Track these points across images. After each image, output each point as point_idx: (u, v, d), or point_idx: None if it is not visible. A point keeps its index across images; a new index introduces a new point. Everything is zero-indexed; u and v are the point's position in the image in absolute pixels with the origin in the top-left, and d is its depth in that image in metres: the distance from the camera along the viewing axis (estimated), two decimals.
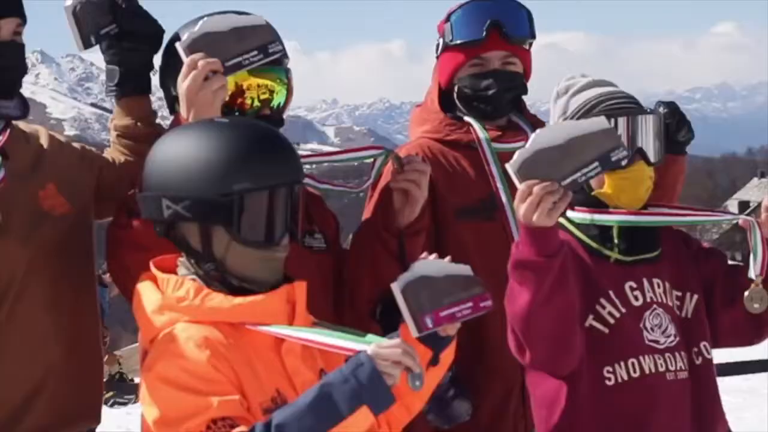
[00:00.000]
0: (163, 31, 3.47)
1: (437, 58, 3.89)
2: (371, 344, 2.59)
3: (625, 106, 3.16)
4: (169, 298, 2.71)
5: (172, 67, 3.37)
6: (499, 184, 3.76)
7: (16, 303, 3.12)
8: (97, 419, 3.35)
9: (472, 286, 2.76)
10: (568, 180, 2.85)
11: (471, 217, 3.73)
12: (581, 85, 3.24)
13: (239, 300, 2.69)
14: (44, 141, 3.32)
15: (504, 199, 3.74)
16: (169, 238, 2.77)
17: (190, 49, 3.05)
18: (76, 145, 3.46)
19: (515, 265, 2.90)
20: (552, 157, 2.84)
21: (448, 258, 2.79)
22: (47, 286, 3.19)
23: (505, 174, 3.74)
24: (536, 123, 3.92)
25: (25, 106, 3.22)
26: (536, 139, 2.86)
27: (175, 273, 2.78)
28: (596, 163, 2.88)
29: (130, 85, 3.46)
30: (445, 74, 3.86)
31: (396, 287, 2.67)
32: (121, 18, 3.40)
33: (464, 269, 2.77)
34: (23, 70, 3.20)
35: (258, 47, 3.10)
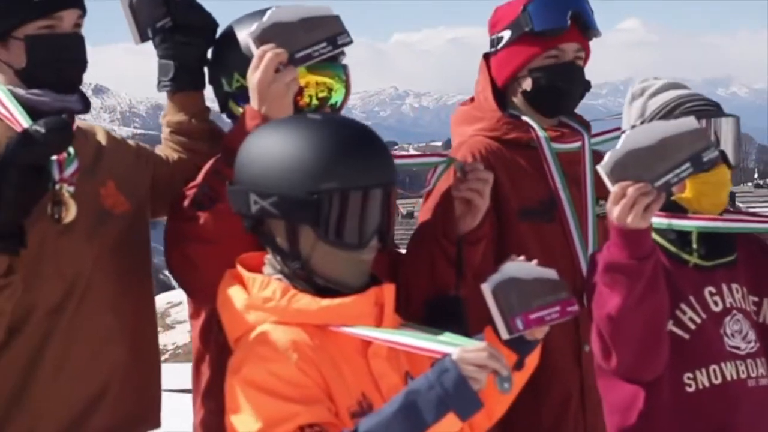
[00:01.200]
0: (217, 25, 3.35)
1: (495, 53, 3.76)
2: (457, 348, 2.50)
3: (706, 109, 3.08)
4: (255, 298, 2.63)
5: (225, 61, 3.26)
6: (558, 185, 3.68)
7: (82, 302, 3.02)
8: (157, 423, 3.24)
9: (559, 290, 2.74)
10: (661, 181, 2.78)
11: (532, 218, 3.66)
12: (657, 87, 3.16)
13: (326, 302, 2.60)
14: (102, 138, 3.20)
15: (564, 200, 3.66)
16: (256, 233, 2.69)
17: (260, 39, 2.95)
18: (131, 142, 3.36)
19: (606, 268, 2.82)
20: (644, 158, 2.78)
21: (534, 261, 2.75)
22: (110, 286, 3.08)
23: (564, 174, 3.67)
24: (586, 124, 3.82)
25: (86, 101, 3.09)
26: (627, 140, 2.80)
27: (261, 272, 2.70)
28: (688, 164, 2.82)
29: (184, 80, 3.34)
30: (513, 65, 3.73)
31: (486, 288, 2.63)
32: (175, 11, 3.28)
33: (551, 273, 2.76)
34: (84, 63, 3.06)
35: (327, 39, 3.01)
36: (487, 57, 3.82)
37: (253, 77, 2.93)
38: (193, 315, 3.32)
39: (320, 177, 2.56)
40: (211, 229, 2.91)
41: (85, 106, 3.07)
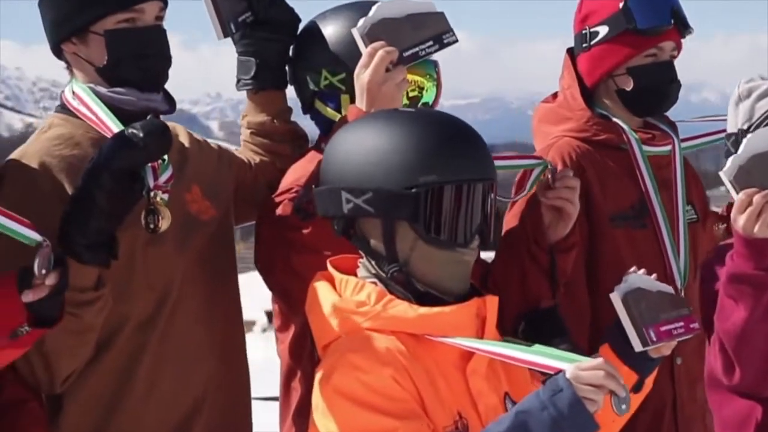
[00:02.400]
0: (299, 20, 3.22)
1: (587, 49, 3.61)
2: (571, 365, 2.35)
3: None
4: (347, 302, 2.48)
5: (311, 59, 3.14)
6: (650, 190, 3.53)
7: (173, 315, 2.89)
8: None
9: (680, 306, 2.63)
10: None
11: (623, 223, 3.51)
12: (765, 89, 3.01)
13: (424, 310, 2.45)
14: (185, 140, 3.06)
15: (655, 204, 3.51)
16: (348, 237, 2.54)
17: (369, 36, 2.84)
18: (212, 143, 3.22)
19: (730, 279, 2.71)
20: None
21: (654, 275, 2.63)
22: (200, 297, 2.95)
23: (656, 178, 3.52)
24: (673, 125, 3.68)
25: (171, 101, 2.97)
26: (749, 145, 2.70)
27: (355, 274, 2.55)
28: None
29: (266, 78, 3.20)
30: (609, 63, 3.56)
31: (616, 297, 2.51)
32: (257, 5, 3.15)
33: (670, 288, 2.65)
34: (169, 59, 2.94)
35: (433, 37, 2.91)
36: (571, 52, 3.67)
37: (363, 77, 2.82)
38: (282, 328, 3.20)
39: (419, 169, 2.42)
40: (320, 238, 2.79)
41: (171, 106, 2.96)
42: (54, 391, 2.77)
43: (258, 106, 3.25)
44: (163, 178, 2.65)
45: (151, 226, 2.69)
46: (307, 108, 3.20)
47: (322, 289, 2.53)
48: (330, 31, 3.12)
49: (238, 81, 3.23)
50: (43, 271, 2.38)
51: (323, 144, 3.17)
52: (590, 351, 2.64)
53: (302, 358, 3.12)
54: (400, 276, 2.47)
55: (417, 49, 2.88)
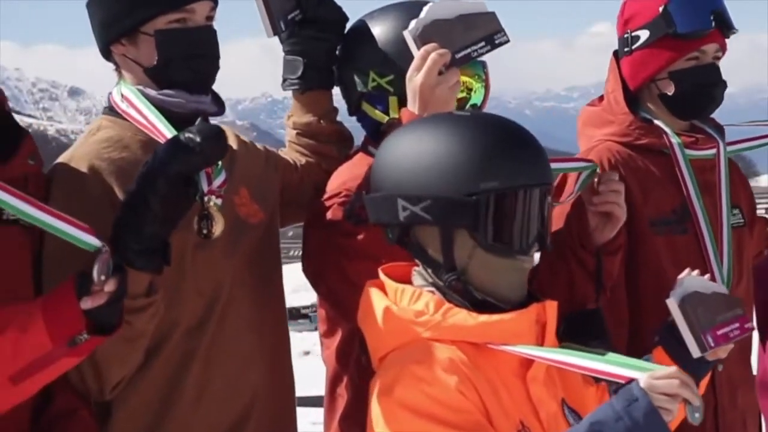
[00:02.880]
0: (347, 19, 3.18)
1: (629, 53, 3.57)
2: (643, 373, 2.31)
3: None
4: (405, 312, 2.43)
5: (359, 59, 3.11)
6: (692, 194, 3.48)
7: (222, 321, 2.85)
8: None
9: (735, 306, 2.58)
10: None
11: (664, 228, 3.45)
12: None
13: (485, 317, 2.41)
14: (232, 141, 3.01)
15: (698, 209, 3.47)
16: (403, 244, 2.50)
17: (421, 38, 2.80)
18: (258, 145, 3.17)
19: None
20: None
21: (707, 275, 2.60)
22: (249, 302, 2.91)
23: (699, 182, 3.49)
24: (720, 128, 3.64)
25: (219, 103, 2.93)
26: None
27: (409, 283, 2.51)
28: None
29: (313, 78, 3.16)
30: (651, 68, 3.52)
31: (673, 303, 2.49)
32: (306, 3, 3.11)
33: (724, 288, 2.65)
34: (218, 59, 2.90)
35: (485, 37, 2.86)
36: (616, 55, 3.63)
37: (416, 80, 2.78)
38: (327, 333, 3.16)
39: (480, 176, 2.38)
40: (373, 245, 2.74)
41: (220, 108, 2.91)
42: (103, 399, 2.73)
43: (304, 107, 3.21)
44: (216, 183, 2.60)
45: (204, 231, 2.64)
46: (354, 109, 3.17)
47: (376, 299, 2.48)
48: (378, 31, 3.08)
49: (284, 80, 3.20)
50: (102, 278, 2.34)
51: (370, 146, 3.15)
52: (628, 355, 2.61)
53: (349, 363, 3.09)
54: (458, 284, 2.43)
55: (469, 50, 2.84)
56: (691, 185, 3.48)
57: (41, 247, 2.71)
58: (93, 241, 2.36)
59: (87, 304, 2.35)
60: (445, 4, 2.85)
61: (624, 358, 2.42)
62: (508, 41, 2.89)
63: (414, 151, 2.44)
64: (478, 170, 2.38)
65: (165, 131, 2.72)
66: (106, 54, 2.92)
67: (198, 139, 2.47)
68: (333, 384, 3.15)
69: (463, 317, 2.40)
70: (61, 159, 2.84)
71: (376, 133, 3.13)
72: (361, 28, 3.12)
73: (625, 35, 3.57)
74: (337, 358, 3.13)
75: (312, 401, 6.43)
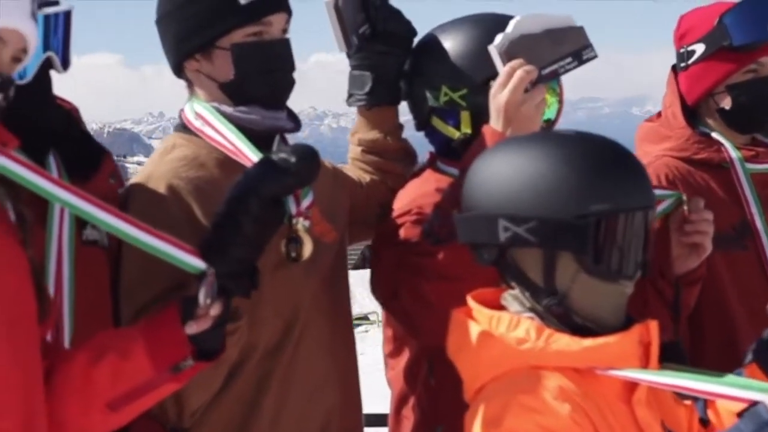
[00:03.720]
0: (415, 33, 3.11)
1: (685, 68, 3.54)
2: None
3: None
4: (507, 340, 2.34)
5: (430, 73, 3.05)
6: (753, 209, 3.43)
7: (300, 343, 2.79)
8: None
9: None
10: None
11: (724, 245, 3.38)
12: None
13: (589, 342, 2.33)
14: None
15: (759, 225, 3.42)
16: (497, 265, 2.42)
17: (507, 53, 2.74)
18: (326, 162, 3.10)
19: None
20: None
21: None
22: (325, 324, 2.85)
23: (760, 196, 3.45)
24: None
25: (295, 119, 2.86)
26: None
27: (499, 308, 2.43)
28: None
29: (381, 94, 3.09)
30: (708, 82, 3.48)
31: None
32: (375, 17, 3.03)
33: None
34: (293, 72, 2.83)
35: (572, 53, 2.82)
36: (674, 70, 3.59)
37: (501, 97, 2.73)
38: (393, 353, 3.11)
39: (590, 197, 2.30)
40: (455, 266, 2.69)
41: (296, 125, 2.85)
42: (182, 425, 2.68)
43: (370, 123, 3.15)
44: (304, 204, 2.54)
45: (293, 254, 2.59)
46: (423, 125, 3.11)
47: (471, 327, 2.40)
48: (450, 45, 3.02)
49: (350, 96, 3.12)
50: (208, 301, 2.27)
51: (439, 162, 3.09)
52: None
53: (416, 384, 3.04)
54: (559, 309, 2.36)
55: (556, 66, 2.79)
56: (752, 200, 3.44)
57: (119, 270, 2.67)
58: (197, 263, 2.28)
59: (192, 329, 2.28)
60: (533, 18, 2.80)
61: (741, 378, 2.36)
62: (596, 56, 2.84)
63: (517, 170, 2.37)
64: (589, 191, 2.31)
65: (246, 151, 2.67)
66: (178, 70, 2.85)
67: (293, 160, 2.39)
68: (399, 404, 3.10)
69: (566, 342, 2.33)
70: (137, 179, 2.77)
71: (446, 149, 3.08)
72: (432, 41, 3.06)
73: (681, 50, 3.53)
74: (406, 378, 3.07)
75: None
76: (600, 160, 2.35)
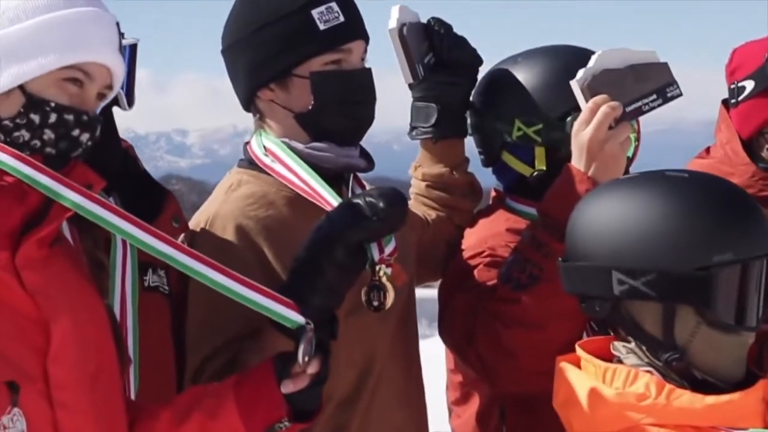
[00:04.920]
0: (481, 62, 2.94)
1: (735, 105, 3.42)
2: None
3: None
4: (626, 396, 2.20)
5: (501, 106, 2.89)
6: None
7: (375, 393, 2.63)
8: None
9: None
10: None
11: None
12: None
13: (712, 399, 2.19)
14: None
15: None
16: (609, 318, 2.28)
17: (590, 89, 2.59)
18: None
19: None
20: None
21: None
22: (400, 372, 2.70)
23: None
24: None
25: (368, 158, 2.70)
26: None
27: (608, 359, 2.29)
28: None
29: (447, 126, 2.91)
30: (758, 119, 3.32)
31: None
32: (439, 45, 2.86)
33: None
34: (375, 103, 2.67)
35: (656, 90, 2.68)
36: (725, 105, 3.47)
37: (584, 134, 2.57)
38: (460, 401, 2.94)
39: (712, 247, 2.17)
40: (537, 312, 2.56)
41: (369, 164, 2.69)
42: None
43: (435, 157, 2.96)
44: (388, 250, 2.39)
45: (375, 303, 2.45)
46: (492, 160, 2.94)
47: (582, 380, 2.26)
48: (525, 77, 2.86)
49: (413, 129, 2.95)
50: (306, 358, 2.11)
51: (510, 200, 2.94)
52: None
53: (489, 431, 2.88)
54: (679, 364, 2.23)
55: (640, 103, 2.66)
56: None
57: (184, 316, 2.52)
58: (295, 317, 2.13)
59: (289, 387, 2.13)
60: (615, 52, 2.67)
61: None
62: (681, 94, 2.72)
63: (631, 218, 2.23)
64: (711, 241, 2.18)
65: (323, 192, 2.53)
66: (249, 102, 2.67)
67: (381, 205, 2.25)
68: None
69: (688, 400, 2.19)
70: (201, 217, 2.59)
71: (517, 186, 2.92)
72: (504, 73, 2.91)
73: (732, 85, 3.42)
74: (478, 425, 2.90)
75: None
76: (721, 207, 2.23)
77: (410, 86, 2.92)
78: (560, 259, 2.34)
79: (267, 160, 2.62)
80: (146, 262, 2.46)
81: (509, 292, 2.64)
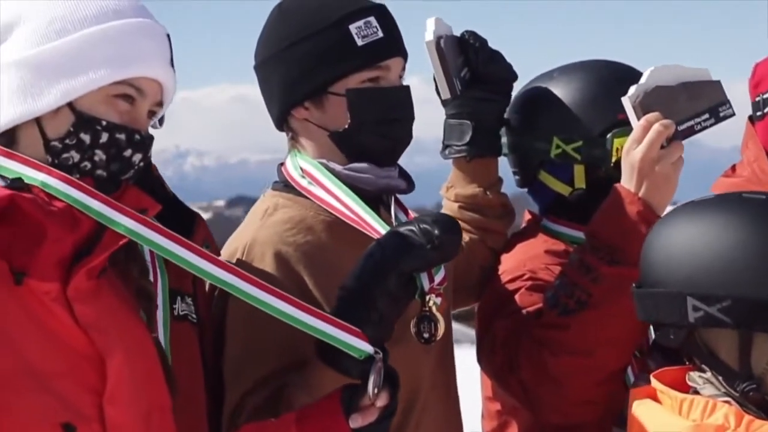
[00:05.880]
0: (516, 77, 2.83)
1: (760, 118, 3.32)
2: None
3: None
4: (705, 428, 2.11)
5: (538, 123, 2.78)
6: None
7: (420, 424, 2.51)
8: None
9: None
10: None
11: None
12: None
13: None
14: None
15: None
16: (684, 347, 2.19)
17: (642, 106, 2.50)
18: None
19: None
20: None
21: None
22: (443, 405, 2.58)
23: None
24: None
25: (407, 178, 2.58)
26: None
27: (683, 390, 2.19)
28: None
29: (482, 144, 2.79)
30: None
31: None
32: (475, 60, 2.75)
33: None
34: (413, 122, 2.55)
35: (709, 109, 2.61)
36: (751, 120, 3.38)
37: (635, 153, 2.48)
38: (497, 430, 2.81)
39: None
40: (585, 339, 2.47)
41: (409, 185, 2.56)
42: None
43: (468, 176, 2.84)
44: (438, 279, 2.29)
45: (425, 335, 2.35)
46: (528, 180, 2.83)
47: (657, 412, 2.18)
48: (563, 93, 2.76)
49: (446, 147, 2.83)
50: (376, 391, 2.00)
51: (547, 221, 2.82)
52: None
53: None
54: (757, 396, 2.14)
55: (692, 122, 2.58)
56: None
57: (220, 345, 2.42)
58: (363, 346, 2.03)
59: (357, 422, 2.03)
60: (668, 69, 2.59)
61: None
62: (734, 114, 2.66)
63: (705, 242, 2.15)
64: None
65: (368, 218, 2.41)
66: (282, 121, 2.54)
67: (436, 233, 2.16)
68: None
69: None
70: (236, 242, 2.46)
71: (554, 207, 2.80)
72: (540, 90, 2.80)
73: (757, 98, 3.32)
74: None
75: None
76: None
77: (443, 103, 2.80)
78: (634, 285, 2.25)
79: (304, 183, 2.49)
80: (174, 289, 2.36)
81: (556, 318, 2.54)
